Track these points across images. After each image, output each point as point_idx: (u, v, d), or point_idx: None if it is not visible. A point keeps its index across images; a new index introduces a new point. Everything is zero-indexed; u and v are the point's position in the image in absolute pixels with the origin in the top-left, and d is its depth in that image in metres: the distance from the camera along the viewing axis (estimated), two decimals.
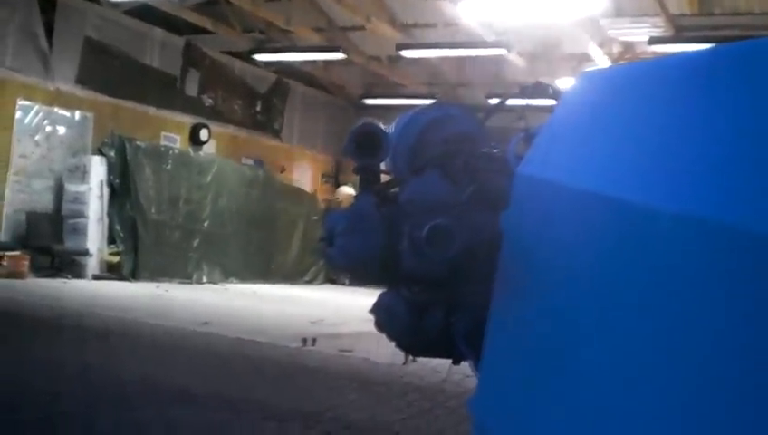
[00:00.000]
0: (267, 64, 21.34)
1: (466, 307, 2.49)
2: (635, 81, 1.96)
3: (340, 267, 2.65)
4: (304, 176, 24.05)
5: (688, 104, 1.64)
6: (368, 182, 2.54)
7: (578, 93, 2.25)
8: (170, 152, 17.66)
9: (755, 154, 1.41)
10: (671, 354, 1.48)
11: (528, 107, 2.59)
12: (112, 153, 16.23)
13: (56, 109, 16.18)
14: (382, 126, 2.52)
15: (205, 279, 17.52)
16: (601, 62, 17.04)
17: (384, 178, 2.68)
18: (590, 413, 1.70)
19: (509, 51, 16.59)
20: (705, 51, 1.77)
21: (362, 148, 2.47)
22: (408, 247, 2.36)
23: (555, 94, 2.47)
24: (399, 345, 2.82)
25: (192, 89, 19.73)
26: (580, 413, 1.74)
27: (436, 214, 2.31)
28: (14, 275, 13.83)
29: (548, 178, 2.03)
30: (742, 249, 1.32)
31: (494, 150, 2.64)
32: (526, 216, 2.15)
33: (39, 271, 14.67)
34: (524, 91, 2.68)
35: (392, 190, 2.60)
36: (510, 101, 2.79)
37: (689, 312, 1.45)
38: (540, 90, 2.56)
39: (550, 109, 2.31)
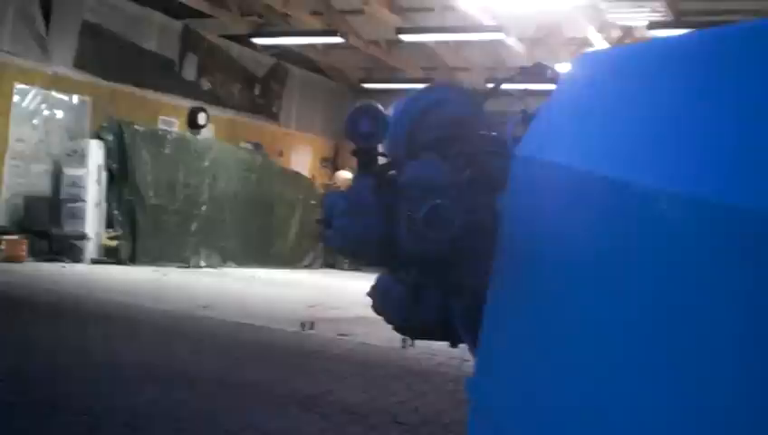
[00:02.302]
0: (265, 48, 21.32)
1: (464, 290, 2.49)
2: (633, 62, 1.95)
3: (338, 249, 2.64)
4: (303, 160, 24.05)
5: (688, 84, 1.63)
6: (366, 164, 2.53)
7: (576, 75, 2.24)
8: (168, 136, 17.64)
9: (758, 134, 1.40)
10: (672, 335, 1.48)
11: (528, 91, 2.58)
12: (110, 137, 16.20)
13: (54, 93, 16.17)
14: (381, 108, 2.50)
15: (203, 263, 17.53)
16: (601, 46, 17.02)
17: (382, 160, 2.67)
18: (590, 396, 1.70)
19: (508, 35, 16.55)
20: (706, 31, 1.76)
21: (360, 129, 2.46)
22: (406, 229, 2.35)
23: (554, 76, 2.46)
24: (397, 328, 2.82)
25: (190, 73, 19.70)
26: (578, 396, 1.74)
27: (434, 196, 2.30)
28: (13, 259, 13.84)
29: (546, 160, 2.02)
30: (746, 229, 1.32)
31: (492, 132, 2.64)
32: (524, 197, 2.14)
33: (37, 255, 14.67)
34: (523, 74, 2.67)
35: (390, 173, 2.60)
36: (509, 84, 2.78)
37: (691, 294, 1.44)
38: (539, 71, 2.56)
39: (549, 93, 2.30)
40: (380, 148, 2.63)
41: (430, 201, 2.26)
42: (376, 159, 2.59)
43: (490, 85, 2.90)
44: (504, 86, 2.77)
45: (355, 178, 2.54)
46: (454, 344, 2.72)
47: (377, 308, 2.78)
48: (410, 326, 2.73)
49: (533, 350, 1.99)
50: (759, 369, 1.27)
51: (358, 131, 2.47)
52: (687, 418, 1.41)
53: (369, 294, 2.79)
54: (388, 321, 2.77)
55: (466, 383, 2.37)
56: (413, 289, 2.60)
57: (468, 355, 2.69)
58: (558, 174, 1.94)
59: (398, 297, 2.63)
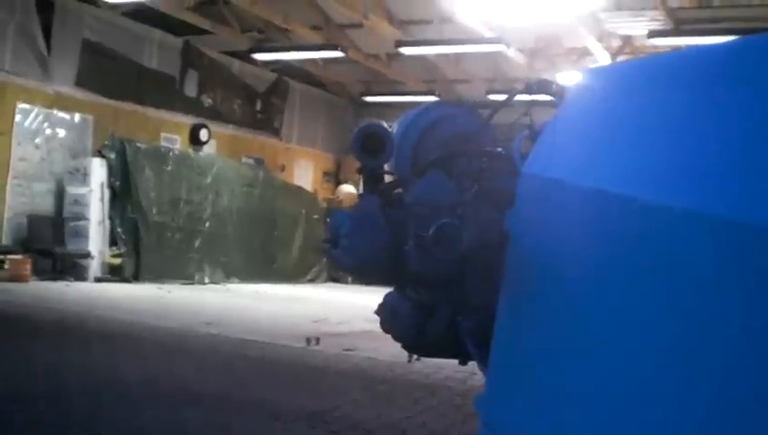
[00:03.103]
0: (266, 63, 21.36)
1: (473, 307, 2.49)
2: (639, 77, 1.95)
3: (346, 268, 2.64)
4: (305, 174, 24.05)
5: (696, 100, 1.63)
6: (372, 183, 2.53)
7: (582, 90, 2.24)
8: (170, 153, 17.65)
9: (763, 149, 1.40)
10: (681, 352, 1.47)
11: (533, 102, 2.58)
12: (112, 155, 16.21)
13: (55, 111, 16.19)
14: (386, 126, 2.51)
15: (207, 280, 17.52)
16: (601, 56, 17.03)
17: (388, 178, 2.67)
18: (599, 412, 1.70)
19: (508, 47, 16.57)
20: (711, 45, 1.76)
21: (366, 149, 2.47)
22: (413, 247, 2.35)
23: (559, 91, 2.47)
24: (405, 346, 2.82)
25: (191, 89, 19.74)
26: (587, 412, 1.73)
27: (441, 214, 2.30)
28: (17, 278, 13.83)
29: (553, 177, 2.02)
30: (753, 245, 1.32)
31: (499, 149, 2.64)
32: (531, 214, 2.14)
33: (41, 274, 14.67)
34: (528, 88, 2.67)
35: (396, 191, 2.60)
36: (513, 98, 2.78)
37: (699, 309, 1.44)
38: (544, 87, 2.56)
39: (554, 104, 2.30)
40: (386, 166, 2.63)
41: (438, 220, 2.26)
42: (382, 178, 2.59)
43: (492, 98, 2.90)
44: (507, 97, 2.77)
45: (361, 197, 2.54)
46: (463, 362, 2.71)
47: (385, 326, 2.78)
48: (419, 344, 2.72)
49: (543, 365, 1.98)
50: (759, 380, 1.27)
51: (364, 150, 2.47)
52: (697, 429, 1.41)
53: (378, 312, 2.79)
54: (397, 338, 2.76)
55: (476, 399, 2.36)
56: (421, 307, 2.60)
57: (475, 369, 2.68)
58: (564, 191, 1.93)
59: (407, 315, 2.63)
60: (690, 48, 1.94)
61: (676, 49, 14.27)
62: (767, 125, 1.43)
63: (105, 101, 17.23)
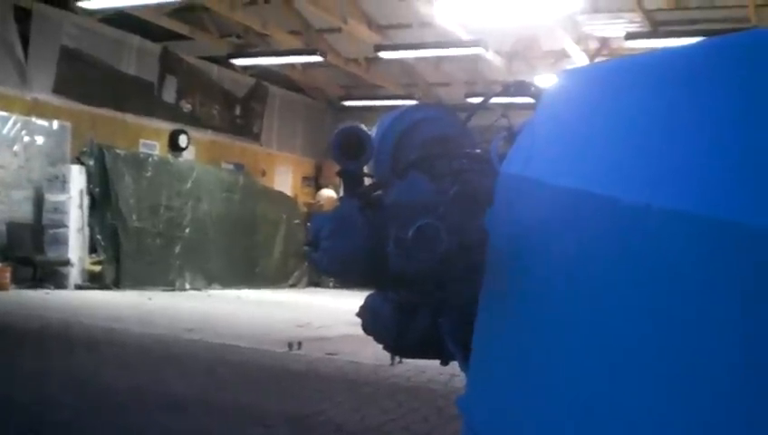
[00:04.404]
0: (245, 69, 21.34)
1: (454, 307, 2.50)
2: (616, 77, 1.97)
3: (327, 271, 2.64)
4: (285, 179, 24.02)
5: (672, 100, 1.64)
6: (351, 186, 2.54)
7: (560, 91, 2.25)
8: (149, 159, 17.59)
9: (743, 148, 1.41)
10: (661, 351, 1.48)
11: (510, 105, 2.60)
12: (91, 162, 16.15)
13: (34, 119, 16.08)
14: (365, 129, 2.51)
15: (188, 286, 17.47)
16: (579, 58, 17.10)
17: (368, 181, 2.68)
18: (581, 411, 1.71)
19: (486, 50, 16.61)
20: (689, 46, 1.77)
21: (346, 151, 2.47)
22: (394, 249, 2.36)
23: (537, 93, 2.48)
24: (387, 347, 2.82)
25: (170, 95, 19.68)
26: (570, 411, 1.74)
27: (421, 215, 2.31)
28: None
29: (531, 177, 2.03)
30: (734, 244, 1.33)
31: (477, 150, 2.65)
32: (511, 214, 2.15)
33: (21, 282, 14.59)
34: (506, 90, 2.69)
35: (376, 193, 2.60)
36: (492, 100, 2.79)
37: (679, 308, 1.45)
38: (522, 88, 2.57)
39: (532, 106, 2.31)
40: (366, 168, 2.63)
41: (417, 221, 2.27)
42: (362, 180, 2.60)
43: (471, 100, 2.91)
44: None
45: (341, 200, 2.54)
46: (445, 362, 2.72)
47: (366, 328, 2.79)
48: (401, 345, 2.73)
49: (524, 365, 1.99)
50: (751, 380, 1.28)
51: (343, 153, 2.47)
52: (680, 431, 1.42)
53: (359, 315, 2.79)
54: (379, 340, 2.77)
55: (458, 400, 2.37)
56: (402, 308, 2.60)
57: (457, 370, 2.69)
58: (543, 190, 1.95)
59: (388, 317, 2.63)
60: (666, 48, 1.95)
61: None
62: (744, 124, 1.44)
63: (83, 107, 17.16)
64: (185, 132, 19.75)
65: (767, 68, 1.46)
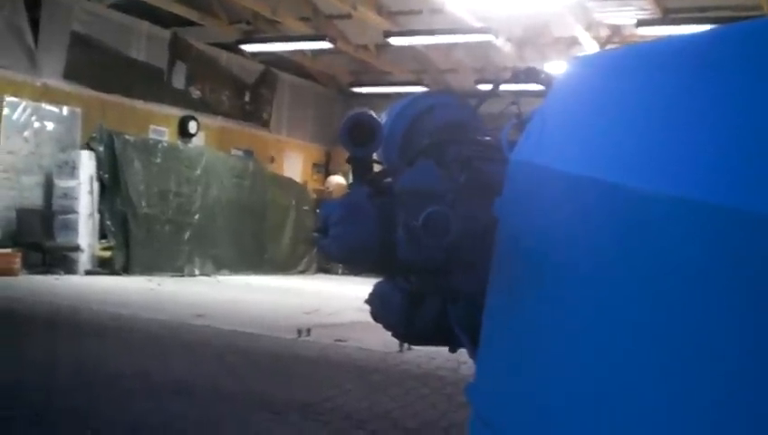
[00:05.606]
0: (254, 55, 21.30)
1: (463, 295, 2.49)
2: (627, 64, 1.95)
3: (335, 258, 2.64)
4: (294, 166, 24.02)
5: (683, 87, 1.63)
6: (361, 172, 2.53)
7: (570, 78, 2.24)
8: (159, 145, 17.61)
9: (754, 136, 1.40)
10: (671, 340, 1.48)
11: (521, 92, 2.58)
12: (101, 148, 16.16)
13: (44, 104, 16.11)
14: (375, 116, 2.50)
15: (197, 272, 17.51)
16: (589, 45, 17.05)
17: (377, 167, 2.67)
18: (591, 399, 1.70)
19: (496, 37, 16.56)
20: (700, 33, 1.76)
21: (355, 138, 2.46)
22: (403, 236, 2.35)
23: (547, 79, 2.47)
24: (396, 335, 2.82)
25: (179, 81, 19.68)
26: (579, 399, 1.74)
27: (430, 202, 2.30)
28: (6, 272, 13.77)
29: (542, 164, 2.02)
30: (742, 232, 1.32)
31: (487, 137, 2.64)
32: (520, 202, 2.14)
33: (31, 268, 14.64)
34: (516, 77, 2.67)
35: (385, 180, 2.60)
36: (502, 87, 2.78)
37: (690, 297, 1.45)
38: (532, 75, 2.56)
39: (542, 94, 2.30)
40: (375, 155, 2.62)
41: (427, 208, 2.26)
42: (371, 167, 2.59)
43: (481, 87, 2.90)
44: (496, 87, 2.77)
45: (351, 187, 2.53)
46: (453, 350, 2.71)
47: (376, 315, 2.78)
48: (410, 333, 2.72)
49: (533, 354, 1.99)
50: (754, 372, 1.28)
51: (352, 139, 2.46)
52: (687, 420, 1.41)
53: (368, 302, 2.79)
54: (388, 328, 2.76)
55: (466, 388, 2.37)
56: (411, 296, 2.60)
57: (466, 358, 2.69)
58: (554, 178, 1.94)
59: (397, 304, 2.63)
60: (677, 36, 1.94)
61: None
62: (754, 112, 1.44)
63: (93, 93, 17.18)
64: (194, 118, 19.76)
65: None
